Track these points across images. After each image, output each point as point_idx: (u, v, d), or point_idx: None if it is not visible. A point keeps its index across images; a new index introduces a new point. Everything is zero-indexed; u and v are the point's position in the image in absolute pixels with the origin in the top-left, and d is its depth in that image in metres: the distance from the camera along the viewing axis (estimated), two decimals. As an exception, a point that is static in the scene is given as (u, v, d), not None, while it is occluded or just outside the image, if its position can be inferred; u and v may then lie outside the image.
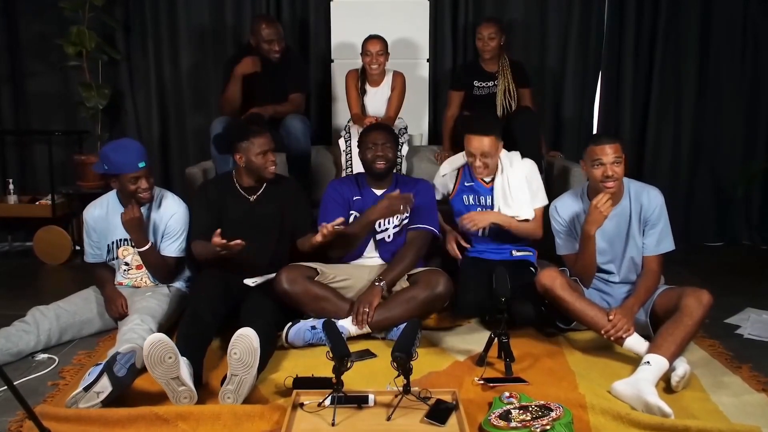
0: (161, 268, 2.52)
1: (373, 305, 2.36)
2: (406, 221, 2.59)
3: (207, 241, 2.36)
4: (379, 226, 2.62)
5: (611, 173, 2.23)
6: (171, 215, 2.53)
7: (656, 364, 1.96)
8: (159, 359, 1.83)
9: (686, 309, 2.07)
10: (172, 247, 2.54)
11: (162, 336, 1.87)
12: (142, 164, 2.41)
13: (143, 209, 2.51)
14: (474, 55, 3.80)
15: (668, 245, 2.34)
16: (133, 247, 2.51)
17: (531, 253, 2.74)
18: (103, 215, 2.53)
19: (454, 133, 3.39)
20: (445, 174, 2.82)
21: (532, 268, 2.65)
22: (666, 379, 1.99)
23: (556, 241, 2.47)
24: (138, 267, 2.54)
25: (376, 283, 2.41)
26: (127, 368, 1.89)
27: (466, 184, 2.76)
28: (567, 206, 2.43)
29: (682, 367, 1.97)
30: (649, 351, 2.03)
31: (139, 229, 2.42)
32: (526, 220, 2.65)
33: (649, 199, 2.32)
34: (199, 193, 2.68)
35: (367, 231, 2.56)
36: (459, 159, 2.82)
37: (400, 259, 2.50)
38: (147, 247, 2.45)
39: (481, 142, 2.58)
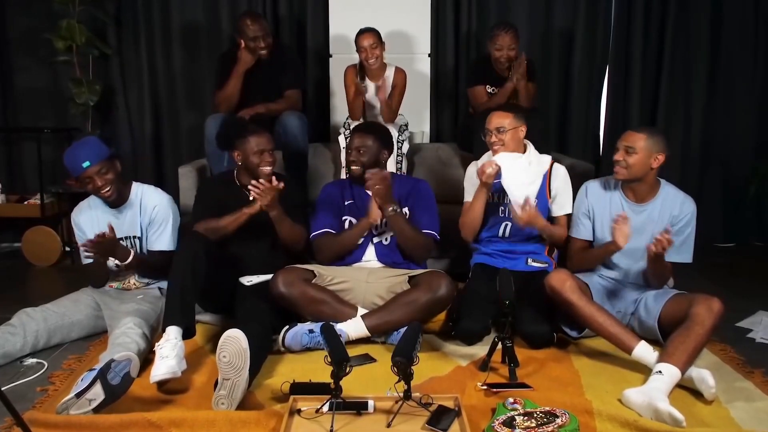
0: (151, 272, 2.52)
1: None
2: None
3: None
4: (376, 229, 2.58)
5: (620, 158, 2.29)
6: (154, 206, 2.52)
7: (668, 373, 1.92)
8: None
9: (697, 317, 2.02)
10: (160, 240, 2.50)
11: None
12: (86, 164, 2.34)
13: (125, 206, 2.50)
14: (480, 53, 3.75)
15: (686, 257, 2.32)
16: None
17: (547, 264, 2.61)
18: (91, 214, 2.52)
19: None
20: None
21: None
22: (694, 391, 1.95)
23: (573, 220, 2.50)
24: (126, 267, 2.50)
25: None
26: (121, 376, 1.85)
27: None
28: (598, 190, 2.45)
29: (710, 378, 1.92)
30: (661, 360, 1.98)
31: (114, 247, 2.36)
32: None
33: (682, 208, 2.33)
34: (202, 188, 2.71)
35: (360, 236, 2.55)
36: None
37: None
38: (130, 258, 2.40)
39: (497, 116, 2.53)
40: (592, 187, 2.47)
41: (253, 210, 2.43)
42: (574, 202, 2.55)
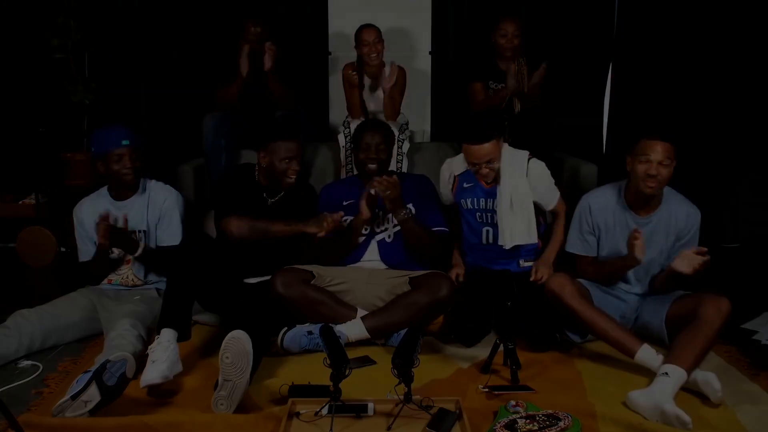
0: (157, 266, 2.50)
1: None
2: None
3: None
4: (379, 226, 2.55)
5: (655, 173, 2.14)
6: (164, 200, 2.53)
7: (675, 375, 1.90)
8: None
9: (705, 317, 2.00)
10: (169, 236, 2.50)
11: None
12: (125, 142, 2.42)
13: (132, 199, 2.50)
14: (481, 49, 3.71)
15: None
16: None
17: None
18: (95, 204, 2.52)
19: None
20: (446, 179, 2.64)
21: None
22: (700, 394, 1.93)
23: (571, 236, 2.39)
24: (127, 262, 2.51)
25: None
26: (117, 377, 1.84)
27: (465, 185, 2.58)
28: (602, 206, 2.32)
29: (716, 381, 1.90)
30: (667, 361, 1.95)
31: (126, 237, 2.39)
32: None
33: (688, 217, 2.25)
34: (225, 182, 2.71)
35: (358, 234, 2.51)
36: (459, 164, 2.62)
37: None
38: (140, 250, 2.42)
39: (482, 151, 2.38)
40: (594, 202, 2.34)
41: (314, 230, 2.38)
42: (572, 216, 2.45)
